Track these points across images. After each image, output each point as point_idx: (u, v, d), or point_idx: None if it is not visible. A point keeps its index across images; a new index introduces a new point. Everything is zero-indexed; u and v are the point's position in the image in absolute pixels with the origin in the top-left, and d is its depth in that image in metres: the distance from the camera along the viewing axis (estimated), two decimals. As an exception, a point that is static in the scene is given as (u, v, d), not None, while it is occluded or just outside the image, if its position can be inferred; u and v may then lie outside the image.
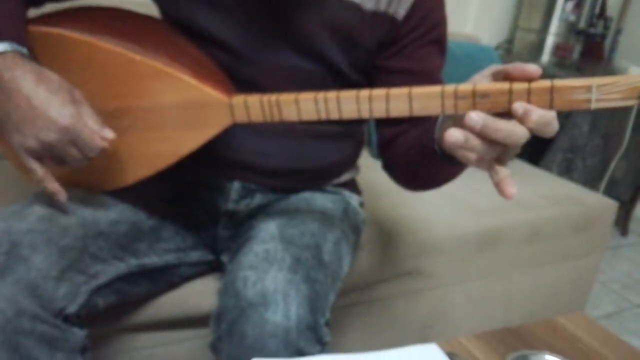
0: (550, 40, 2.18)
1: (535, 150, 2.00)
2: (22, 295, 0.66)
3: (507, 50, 2.30)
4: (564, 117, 1.91)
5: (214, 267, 0.97)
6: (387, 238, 1.20)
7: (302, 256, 0.76)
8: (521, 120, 0.52)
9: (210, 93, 0.69)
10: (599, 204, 1.59)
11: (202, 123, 0.70)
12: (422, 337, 1.34)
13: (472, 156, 0.55)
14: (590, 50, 2.26)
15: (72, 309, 0.70)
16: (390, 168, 0.87)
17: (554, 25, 2.15)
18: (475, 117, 0.52)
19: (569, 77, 0.52)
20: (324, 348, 0.72)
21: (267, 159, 0.86)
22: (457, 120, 0.56)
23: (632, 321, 1.84)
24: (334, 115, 0.62)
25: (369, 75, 0.85)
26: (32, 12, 0.77)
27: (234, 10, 0.77)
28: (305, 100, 0.63)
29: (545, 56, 2.20)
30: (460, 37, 1.87)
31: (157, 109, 0.71)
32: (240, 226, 0.89)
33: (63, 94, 0.66)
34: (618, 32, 2.37)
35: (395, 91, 0.59)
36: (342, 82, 0.83)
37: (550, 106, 0.52)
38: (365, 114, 0.61)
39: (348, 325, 1.20)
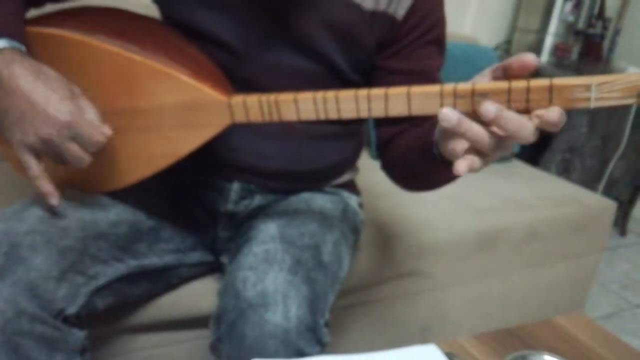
0: (549, 41, 2.18)
1: (534, 150, 2.01)
2: (21, 296, 0.66)
3: (506, 50, 2.31)
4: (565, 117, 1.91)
5: (214, 268, 0.97)
6: (386, 239, 1.20)
7: (301, 257, 0.76)
8: (492, 122, 0.52)
9: (209, 93, 0.69)
10: (598, 205, 1.59)
11: (201, 123, 0.70)
12: (421, 338, 1.34)
13: (459, 147, 0.55)
14: (589, 51, 2.26)
15: (71, 310, 0.70)
16: (389, 168, 0.87)
17: (553, 26, 2.16)
18: (490, 107, 0.52)
19: (568, 77, 0.52)
20: (323, 349, 0.73)
21: (267, 160, 0.86)
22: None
23: (630, 321, 1.84)
24: (333, 115, 0.62)
25: (368, 75, 0.85)
26: (32, 13, 0.77)
27: (234, 10, 0.77)
28: (304, 100, 0.63)
29: (544, 56, 2.20)
30: (459, 38, 1.87)
31: (156, 110, 0.71)
32: (240, 227, 0.89)
33: (62, 90, 0.66)
34: (617, 32, 2.38)
35: (394, 91, 0.59)
36: (341, 82, 0.83)
37: (549, 105, 0.53)
38: (364, 114, 0.61)
39: (348, 326, 1.20)
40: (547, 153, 1.98)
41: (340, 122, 0.69)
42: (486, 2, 2.21)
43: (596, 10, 2.23)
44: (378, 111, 0.60)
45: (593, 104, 0.51)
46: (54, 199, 0.70)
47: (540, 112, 0.52)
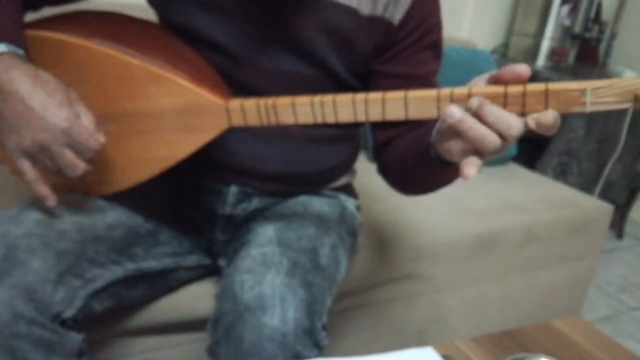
0: (545, 45, 2.19)
1: (531, 154, 2.01)
2: (19, 300, 0.66)
3: (503, 54, 2.31)
4: (560, 121, 1.91)
5: (211, 271, 0.97)
6: (384, 242, 1.21)
7: (299, 260, 0.76)
8: (475, 112, 0.54)
9: (207, 97, 0.69)
10: (595, 207, 1.60)
11: (199, 127, 0.70)
12: (418, 341, 1.34)
13: (456, 147, 0.57)
14: (585, 55, 2.27)
15: (69, 313, 0.70)
16: (385, 171, 0.87)
17: (549, 30, 2.16)
18: (474, 99, 0.54)
19: (564, 81, 0.53)
20: (321, 352, 0.73)
21: (264, 163, 0.86)
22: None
23: (627, 324, 1.84)
24: (331, 119, 0.63)
25: (365, 79, 0.85)
26: (30, 16, 0.77)
27: (231, 14, 0.77)
28: (302, 103, 0.63)
29: (541, 60, 2.21)
30: (456, 42, 1.88)
31: (153, 113, 0.71)
32: (238, 230, 0.89)
33: (60, 95, 0.66)
34: (613, 36, 2.39)
35: (391, 95, 0.59)
36: (338, 86, 0.83)
37: (545, 109, 0.53)
38: (361, 118, 0.61)
39: (345, 329, 1.20)
40: (544, 156, 1.99)
41: (337, 126, 0.69)
42: (483, 6, 2.22)
43: (592, 14, 2.23)
44: (375, 115, 0.60)
45: (589, 109, 0.52)
46: (51, 201, 0.70)
47: (535, 115, 0.53)
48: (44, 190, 0.70)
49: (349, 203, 0.99)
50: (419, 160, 0.72)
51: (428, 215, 1.33)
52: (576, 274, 1.63)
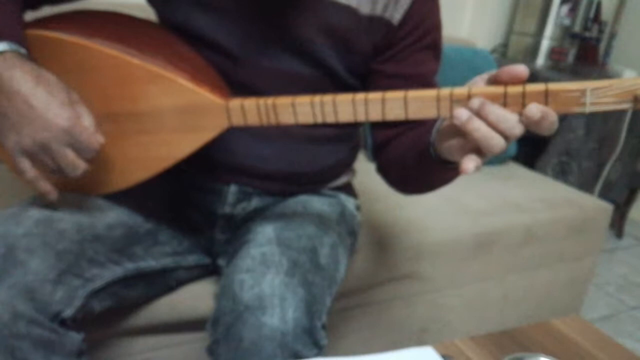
0: (545, 44, 2.19)
1: (531, 153, 2.01)
2: (18, 299, 0.66)
3: (503, 54, 2.32)
4: (559, 120, 1.92)
5: (211, 271, 0.97)
6: (384, 241, 1.21)
7: (298, 260, 0.76)
8: (477, 112, 0.54)
9: (207, 96, 0.69)
10: (594, 207, 1.60)
11: (199, 126, 0.70)
12: (418, 340, 1.34)
13: (456, 144, 0.58)
14: (585, 54, 2.27)
15: (68, 312, 0.70)
16: (385, 171, 0.88)
17: (549, 29, 2.16)
18: (475, 99, 0.55)
19: (564, 81, 0.53)
20: (320, 351, 0.73)
21: (264, 163, 0.86)
22: (453, 124, 0.57)
23: (627, 324, 1.84)
24: (330, 119, 0.63)
25: (365, 79, 0.85)
26: (29, 15, 0.77)
27: (230, 14, 0.77)
28: (302, 103, 0.63)
29: (540, 60, 2.21)
30: (455, 41, 1.88)
31: (154, 113, 0.71)
32: (237, 229, 0.89)
33: (61, 95, 0.67)
34: (612, 36, 2.39)
35: (391, 95, 0.59)
36: (338, 86, 0.83)
37: (545, 110, 0.53)
38: (361, 117, 0.61)
39: (345, 329, 1.21)
40: (544, 156, 1.99)
41: (336, 125, 0.69)
42: (483, 6, 2.22)
43: (592, 14, 2.23)
44: (375, 115, 0.60)
45: (588, 109, 0.52)
46: (53, 196, 0.71)
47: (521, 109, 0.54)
48: (45, 185, 0.70)
49: (349, 202, 0.99)
50: (418, 159, 0.72)
51: (428, 214, 1.33)
52: (576, 274, 1.63)
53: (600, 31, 2.26)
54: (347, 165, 0.99)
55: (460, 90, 0.56)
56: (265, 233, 0.80)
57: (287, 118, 0.65)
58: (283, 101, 0.64)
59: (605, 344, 0.79)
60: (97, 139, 0.68)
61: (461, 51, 1.79)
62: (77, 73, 0.71)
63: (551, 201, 1.56)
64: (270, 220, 0.84)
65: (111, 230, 0.78)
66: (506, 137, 0.55)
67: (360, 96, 0.60)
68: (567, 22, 2.18)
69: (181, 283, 0.95)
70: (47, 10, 0.80)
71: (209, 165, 0.86)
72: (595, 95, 0.51)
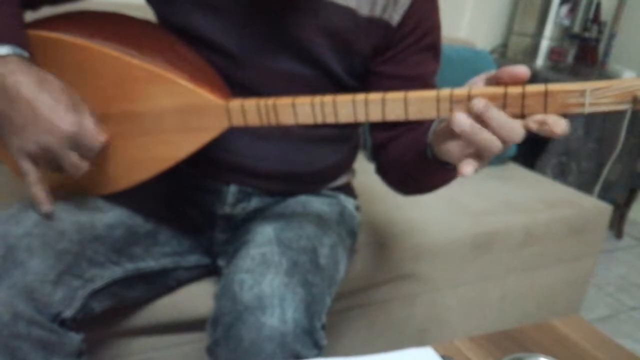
0: (544, 45, 2.19)
1: (530, 153, 2.01)
2: (18, 300, 0.66)
3: (502, 54, 2.32)
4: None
5: (211, 271, 0.97)
6: (383, 242, 1.21)
7: (298, 260, 0.76)
8: (479, 116, 0.54)
9: (207, 97, 0.69)
10: (594, 207, 1.60)
11: (199, 127, 0.70)
12: (418, 341, 1.34)
13: (456, 148, 0.58)
14: (584, 55, 2.27)
15: (68, 313, 0.70)
16: (384, 172, 0.88)
17: (549, 30, 2.17)
18: (479, 102, 0.54)
19: (563, 81, 0.53)
20: (320, 352, 0.73)
21: (263, 162, 0.86)
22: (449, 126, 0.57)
23: (626, 324, 1.85)
24: (331, 119, 0.63)
25: (364, 80, 0.85)
26: (29, 16, 0.77)
27: (230, 15, 0.77)
28: (302, 104, 0.63)
29: (540, 60, 2.21)
30: (455, 42, 1.88)
31: (154, 113, 0.71)
32: (237, 230, 0.89)
33: (65, 99, 0.67)
34: (612, 36, 2.39)
35: (391, 95, 0.59)
36: (337, 87, 0.83)
37: (545, 110, 0.53)
38: (361, 118, 0.61)
39: (344, 329, 1.21)
40: (543, 156, 1.99)
41: (336, 126, 0.69)
42: (482, 6, 2.22)
43: (592, 14, 2.23)
44: (375, 115, 0.60)
45: (587, 110, 0.52)
46: (45, 207, 0.70)
47: (541, 118, 0.53)
48: (41, 195, 0.70)
49: (349, 203, 0.99)
50: (417, 161, 0.72)
51: (427, 215, 1.33)
52: (575, 274, 1.63)
53: (600, 32, 2.26)
54: (346, 166, 0.99)
55: (460, 91, 0.56)
56: (265, 233, 0.80)
57: (287, 118, 0.65)
58: (283, 101, 0.64)
59: (605, 344, 0.79)
60: (99, 139, 0.68)
61: (461, 51, 1.79)
62: (76, 73, 0.71)
63: (551, 201, 1.56)
64: (270, 221, 0.84)
65: (111, 231, 0.78)
66: (505, 142, 0.55)
67: (360, 97, 0.60)
68: (566, 22, 2.18)
69: (181, 283, 0.95)
70: (47, 11, 0.80)
71: (209, 165, 0.86)
72: (595, 95, 0.51)
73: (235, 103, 0.68)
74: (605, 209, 1.61)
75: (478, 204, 1.45)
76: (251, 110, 0.67)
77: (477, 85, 0.57)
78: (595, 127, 2.01)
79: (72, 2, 0.84)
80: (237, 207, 0.90)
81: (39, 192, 0.69)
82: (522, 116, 0.54)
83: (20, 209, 0.75)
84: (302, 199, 0.92)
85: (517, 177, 1.76)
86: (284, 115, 0.65)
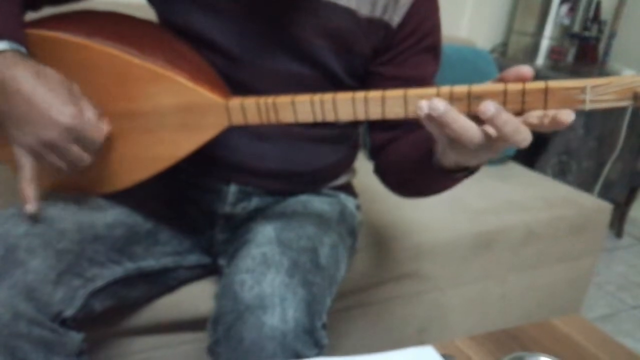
0: (544, 44, 2.19)
1: (530, 152, 2.01)
2: (19, 299, 0.66)
3: (502, 53, 2.31)
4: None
5: (211, 271, 0.97)
6: (383, 241, 1.21)
7: (299, 259, 0.76)
8: (490, 120, 0.52)
9: (207, 95, 0.69)
10: (594, 206, 1.60)
11: (199, 126, 0.70)
12: (418, 340, 1.34)
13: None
14: (584, 54, 2.27)
15: (69, 312, 0.70)
16: (382, 173, 0.88)
17: (549, 29, 2.16)
18: (489, 105, 0.52)
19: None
20: (321, 351, 0.73)
21: (264, 162, 0.86)
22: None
23: (627, 323, 1.84)
24: (330, 117, 0.63)
25: (364, 80, 0.85)
26: (30, 16, 0.77)
27: (230, 15, 0.77)
28: (302, 102, 0.63)
29: (540, 59, 2.21)
30: (455, 41, 1.88)
31: (154, 112, 0.71)
32: (237, 229, 0.89)
33: (64, 92, 0.66)
34: (612, 35, 2.39)
35: (391, 93, 0.59)
36: (337, 87, 0.83)
37: (545, 107, 0.53)
38: (361, 116, 0.61)
39: (345, 328, 1.21)
40: (543, 155, 1.99)
41: (336, 125, 0.69)
42: (482, 5, 2.22)
43: (592, 13, 2.23)
44: (375, 113, 0.60)
45: (588, 106, 0.52)
46: (30, 207, 0.69)
47: (552, 112, 0.52)
48: (29, 192, 0.69)
49: (349, 202, 0.99)
50: (418, 166, 0.72)
51: (428, 214, 1.33)
52: (576, 273, 1.63)
53: (600, 31, 2.26)
54: (347, 165, 0.99)
55: (460, 89, 0.56)
56: (265, 233, 0.80)
57: (287, 117, 0.65)
58: (283, 100, 0.64)
59: (605, 343, 0.79)
60: (101, 131, 0.68)
61: (461, 51, 1.78)
62: (77, 72, 0.71)
63: (551, 200, 1.56)
64: (270, 220, 0.84)
65: (111, 230, 0.78)
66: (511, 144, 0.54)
67: (360, 95, 0.60)
68: (566, 21, 2.18)
69: (181, 283, 0.95)
70: (47, 11, 0.80)
71: (209, 164, 0.86)
72: (595, 92, 0.51)
73: (235, 101, 0.68)
74: (605, 208, 1.61)
75: (478, 203, 1.45)
76: (251, 109, 0.67)
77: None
78: (596, 126, 2.01)
79: (73, 1, 0.84)
80: (238, 206, 0.90)
81: (28, 189, 0.68)
82: (522, 114, 0.54)
83: (20, 208, 0.75)
84: (303, 198, 0.92)
85: (517, 176, 1.76)
86: (284, 113, 0.65)
